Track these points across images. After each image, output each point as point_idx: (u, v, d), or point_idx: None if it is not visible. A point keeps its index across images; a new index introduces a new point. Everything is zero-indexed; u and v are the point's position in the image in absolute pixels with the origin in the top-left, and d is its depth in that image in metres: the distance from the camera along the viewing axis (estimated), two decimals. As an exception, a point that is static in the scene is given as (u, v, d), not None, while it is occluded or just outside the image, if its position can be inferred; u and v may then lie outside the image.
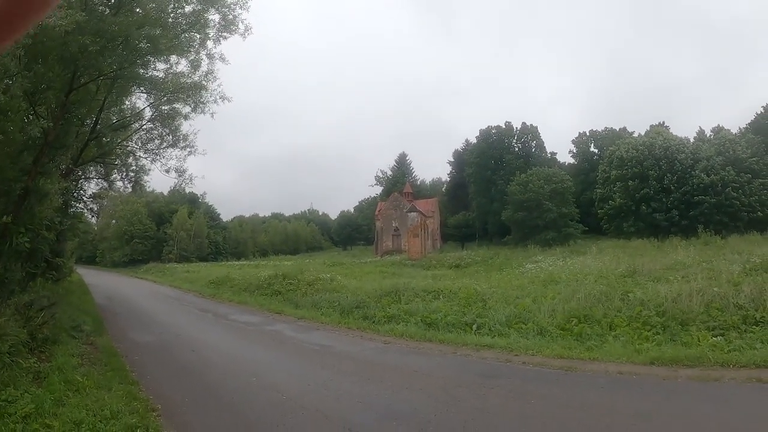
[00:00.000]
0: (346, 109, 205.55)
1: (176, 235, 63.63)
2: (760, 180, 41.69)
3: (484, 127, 67.52)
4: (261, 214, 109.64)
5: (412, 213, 59.33)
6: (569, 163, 69.73)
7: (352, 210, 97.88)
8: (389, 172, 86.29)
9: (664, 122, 62.45)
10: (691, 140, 51.07)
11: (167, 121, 18.08)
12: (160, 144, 18.73)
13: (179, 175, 18.84)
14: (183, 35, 13.65)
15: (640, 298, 11.32)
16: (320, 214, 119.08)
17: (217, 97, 16.71)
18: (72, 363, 8.51)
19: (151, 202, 63.16)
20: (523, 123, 66.54)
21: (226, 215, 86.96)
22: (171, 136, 18.46)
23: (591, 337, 10.09)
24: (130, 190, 22.02)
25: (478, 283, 17.85)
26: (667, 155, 44.60)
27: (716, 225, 38.65)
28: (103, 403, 6.59)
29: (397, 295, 15.80)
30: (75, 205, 20.20)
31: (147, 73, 14.47)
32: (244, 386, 8.21)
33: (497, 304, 13.25)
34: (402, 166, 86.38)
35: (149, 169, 19.65)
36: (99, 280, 35.72)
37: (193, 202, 70.82)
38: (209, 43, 15.00)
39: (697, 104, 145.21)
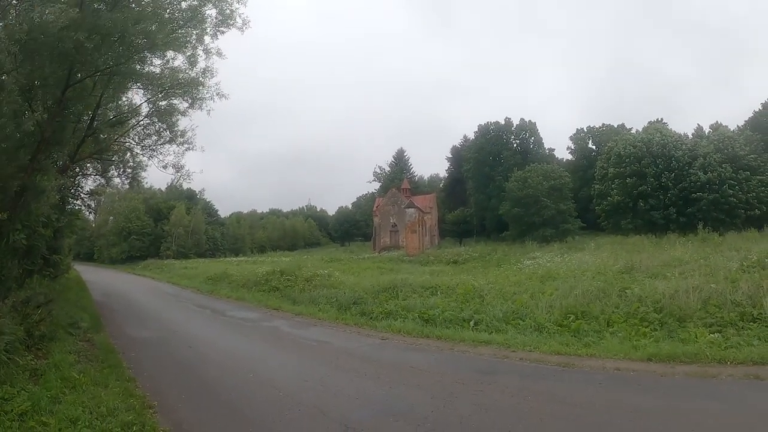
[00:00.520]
0: (345, 106, 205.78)
1: (174, 231, 63.54)
2: (759, 177, 41.63)
3: (482, 123, 67.58)
4: (259, 210, 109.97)
5: (410, 209, 59.31)
6: (567, 160, 69.83)
7: (349, 206, 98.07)
8: (387, 168, 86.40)
9: (662, 119, 62.46)
10: (690, 137, 51.09)
11: (164, 117, 18.01)
12: (158, 140, 18.66)
13: (177, 171, 18.83)
14: (180, 30, 13.55)
15: (638, 295, 11.34)
16: (318, 210, 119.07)
17: (214, 94, 16.71)
18: (69, 360, 8.49)
19: (148, 199, 63.10)
20: (522, 119, 66.61)
21: (224, 211, 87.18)
22: (168, 132, 18.40)
23: (588, 333, 10.12)
24: (127, 186, 21.99)
25: (476, 279, 17.85)
26: (665, 152, 44.57)
27: (714, 222, 38.59)
28: (99, 400, 6.58)
29: (395, 291, 15.81)
30: (72, 202, 20.15)
31: (144, 69, 14.37)
32: (241, 383, 8.21)
33: (495, 301, 13.26)
34: (400, 162, 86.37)
35: (147, 166, 19.67)
36: (97, 277, 35.65)
37: (191, 198, 70.72)
38: (206, 39, 14.93)
39: (695, 102, 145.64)
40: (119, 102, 17.76)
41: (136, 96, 17.74)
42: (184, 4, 13.38)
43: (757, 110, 52.29)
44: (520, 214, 49.92)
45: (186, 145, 18.51)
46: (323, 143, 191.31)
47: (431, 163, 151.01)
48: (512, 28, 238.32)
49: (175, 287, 28.74)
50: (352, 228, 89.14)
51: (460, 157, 72.46)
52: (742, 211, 40.42)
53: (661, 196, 43.73)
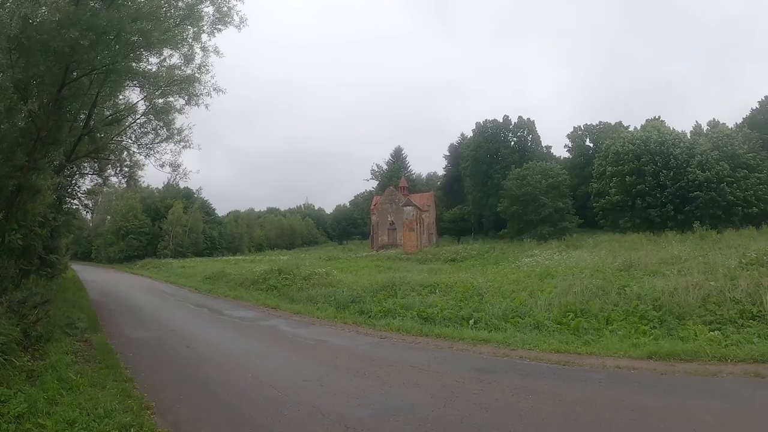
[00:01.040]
0: (343, 105, 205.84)
1: (172, 230, 63.39)
2: (756, 175, 41.69)
3: (480, 122, 67.49)
4: (257, 209, 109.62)
5: (408, 207, 59.19)
6: (564, 157, 69.72)
7: (347, 204, 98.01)
8: (385, 167, 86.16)
9: (659, 117, 62.45)
10: (688, 135, 51.11)
11: (161, 114, 17.86)
12: (155, 138, 18.53)
13: (174, 170, 18.67)
14: (176, 28, 13.46)
15: (637, 292, 11.34)
16: (316, 208, 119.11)
17: (211, 89, 16.53)
18: (66, 361, 8.42)
19: (146, 198, 63.07)
20: (519, 117, 66.35)
21: (221, 210, 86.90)
22: (165, 130, 18.26)
23: (588, 331, 10.11)
24: (124, 185, 21.90)
25: (474, 277, 17.85)
26: (663, 150, 44.57)
27: (711, 220, 38.66)
28: (96, 401, 6.53)
29: (393, 289, 15.79)
30: (69, 202, 20.08)
31: (140, 67, 14.27)
32: (239, 382, 8.16)
33: (493, 299, 13.25)
34: (398, 160, 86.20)
35: (143, 164, 19.52)
36: (94, 276, 35.58)
37: (189, 197, 70.67)
38: (203, 36, 14.83)
39: (693, 100, 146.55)
40: (116, 100, 17.63)
41: (133, 94, 17.61)
42: (180, 2, 13.30)
43: (755, 108, 52.42)
44: (518, 212, 49.92)
45: (183, 143, 18.38)
46: (321, 142, 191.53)
47: (429, 161, 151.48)
48: (511, 27, 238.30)
49: (173, 286, 28.68)
50: (349, 226, 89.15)
51: (457, 155, 72.32)
52: (740, 209, 40.46)
53: (658, 194, 43.75)
